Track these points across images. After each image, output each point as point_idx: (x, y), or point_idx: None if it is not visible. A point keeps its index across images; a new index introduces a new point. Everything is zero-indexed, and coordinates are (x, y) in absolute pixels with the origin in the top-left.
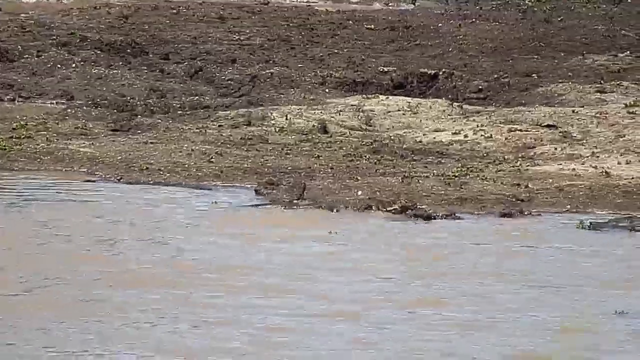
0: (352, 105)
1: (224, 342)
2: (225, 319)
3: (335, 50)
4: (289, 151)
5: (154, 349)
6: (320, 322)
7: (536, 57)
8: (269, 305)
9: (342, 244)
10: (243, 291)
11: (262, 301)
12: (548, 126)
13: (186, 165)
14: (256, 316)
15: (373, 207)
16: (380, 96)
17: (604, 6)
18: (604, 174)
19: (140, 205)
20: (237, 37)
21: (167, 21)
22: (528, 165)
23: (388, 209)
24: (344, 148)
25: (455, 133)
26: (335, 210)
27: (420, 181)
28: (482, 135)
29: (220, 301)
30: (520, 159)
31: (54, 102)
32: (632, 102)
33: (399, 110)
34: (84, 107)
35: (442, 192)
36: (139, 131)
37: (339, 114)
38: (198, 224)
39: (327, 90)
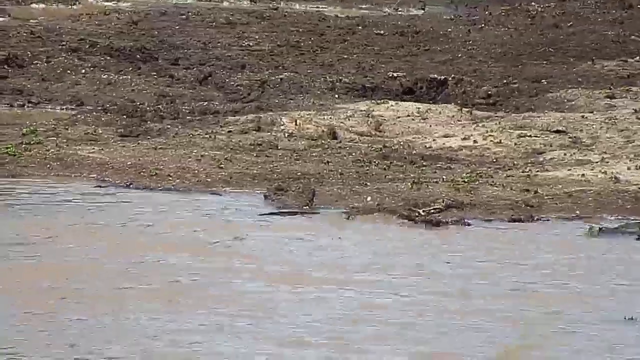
0: (361, 111)
1: None
2: None
3: (345, 56)
4: (298, 157)
5: None
6: None
7: (545, 62)
8: None
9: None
10: None
11: None
12: (557, 132)
13: (195, 171)
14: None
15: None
16: (389, 102)
17: (614, 11)
18: (613, 179)
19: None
20: (246, 43)
21: (177, 27)
22: (537, 171)
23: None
24: (354, 154)
25: (464, 138)
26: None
27: (429, 187)
28: (491, 140)
29: None
30: (529, 164)
31: (64, 107)
32: None
33: (408, 116)
34: (94, 113)
35: (452, 197)
36: (149, 137)
37: (349, 120)
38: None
39: (336, 95)
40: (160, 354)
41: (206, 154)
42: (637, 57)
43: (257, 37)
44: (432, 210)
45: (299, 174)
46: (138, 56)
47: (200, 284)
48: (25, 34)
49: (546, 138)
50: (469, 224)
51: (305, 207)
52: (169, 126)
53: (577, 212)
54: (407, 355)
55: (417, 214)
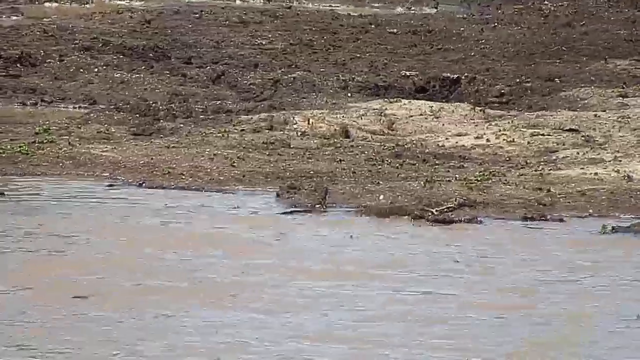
0: (374, 110)
1: None
2: None
3: (358, 55)
4: (310, 155)
5: None
6: None
7: (558, 61)
8: None
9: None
10: None
11: None
12: (570, 130)
13: (208, 170)
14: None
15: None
16: (402, 100)
17: (627, 10)
18: (626, 178)
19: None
20: (259, 42)
21: (190, 25)
22: (550, 170)
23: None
24: (366, 152)
25: (477, 137)
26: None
27: (442, 185)
28: (504, 139)
29: None
30: (542, 163)
31: (77, 106)
32: None
33: (421, 115)
34: (107, 112)
35: (465, 196)
36: (161, 135)
37: (361, 118)
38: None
39: (349, 94)
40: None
41: (219, 152)
42: None
43: (270, 35)
44: (445, 210)
45: (311, 172)
46: (151, 55)
47: (241, 281)
48: (38, 33)
49: (559, 137)
50: (481, 222)
51: (317, 206)
52: (181, 125)
53: (590, 210)
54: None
55: (430, 213)
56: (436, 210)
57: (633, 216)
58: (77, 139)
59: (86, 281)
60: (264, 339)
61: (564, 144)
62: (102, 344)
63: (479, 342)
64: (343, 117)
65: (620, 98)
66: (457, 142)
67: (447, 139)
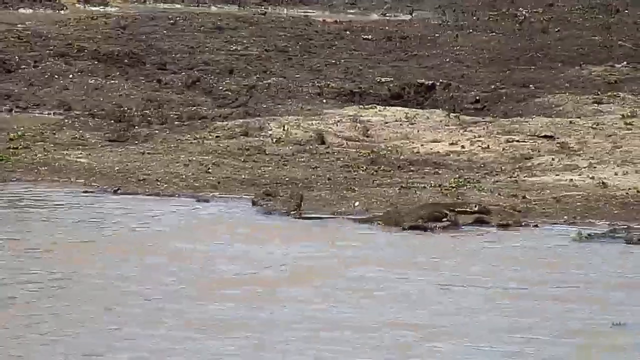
0: (349, 116)
1: None
2: None
3: (333, 61)
4: (286, 162)
5: None
6: None
7: (533, 67)
8: None
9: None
10: None
11: None
12: (545, 137)
13: (183, 176)
14: None
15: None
16: (377, 107)
17: (601, 17)
18: (601, 184)
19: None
20: (234, 48)
21: (165, 31)
22: (525, 176)
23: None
24: (341, 159)
25: (452, 144)
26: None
27: (417, 192)
28: (479, 146)
29: None
30: (517, 169)
31: (51, 112)
32: (629, 113)
33: (396, 121)
34: (81, 118)
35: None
36: (136, 142)
37: (336, 125)
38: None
39: (324, 100)
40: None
41: (194, 159)
42: (624, 63)
43: (245, 42)
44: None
45: (287, 179)
46: (126, 61)
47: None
48: (12, 39)
49: (534, 143)
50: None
51: (293, 213)
52: (156, 131)
53: (565, 217)
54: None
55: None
56: (452, 213)
57: (608, 223)
58: (52, 145)
59: None
60: None
61: (539, 151)
62: None
63: None
64: (318, 123)
65: (595, 104)
66: (432, 149)
67: (422, 145)
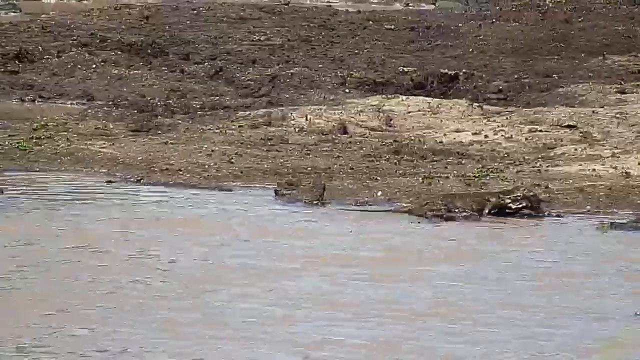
0: (372, 106)
1: None
2: None
3: (356, 51)
4: (308, 152)
5: None
6: None
7: (556, 57)
8: None
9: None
10: None
11: None
12: (568, 127)
13: (206, 166)
14: None
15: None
16: (400, 96)
17: (624, 7)
18: (624, 174)
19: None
20: (257, 38)
21: (188, 22)
22: (548, 166)
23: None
24: (364, 148)
25: (475, 133)
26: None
27: (440, 182)
28: (502, 135)
29: None
30: (540, 159)
31: (75, 102)
32: None
33: (419, 111)
34: (104, 108)
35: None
36: (159, 132)
37: (359, 115)
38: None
39: (347, 90)
40: None
41: (217, 148)
42: None
43: (268, 32)
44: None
45: (309, 168)
46: (149, 51)
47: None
48: (36, 29)
49: (557, 133)
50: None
51: (315, 202)
52: (179, 121)
53: (588, 207)
54: None
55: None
56: (510, 199)
57: (631, 212)
58: (75, 135)
59: None
60: None
61: (562, 140)
62: None
63: None
64: (341, 113)
65: (618, 94)
66: (455, 139)
67: (445, 135)
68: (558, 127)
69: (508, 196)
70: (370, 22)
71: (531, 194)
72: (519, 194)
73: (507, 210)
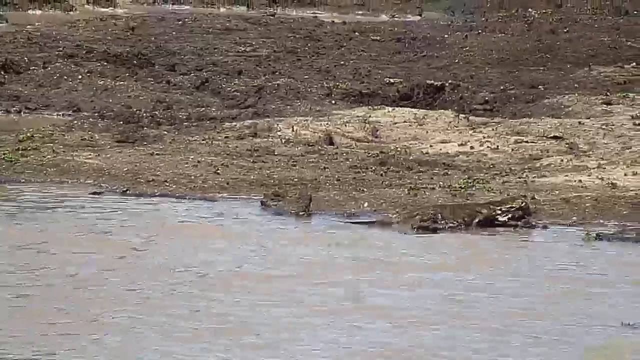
0: (358, 117)
1: None
2: None
3: (342, 62)
4: (295, 163)
5: None
6: None
7: (542, 68)
8: None
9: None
10: None
11: None
12: (554, 138)
13: (192, 177)
14: None
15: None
16: (386, 107)
17: (610, 18)
18: (610, 185)
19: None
20: (243, 49)
21: (174, 32)
22: (534, 177)
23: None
24: (350, 159)
25: (461, 144)
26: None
27: (426, 193)
28: (488, 146)
29: None
30: (526, 170)
31: (60, 113)
32: (638, 114)
33: (405, 122)
34: (90, 119)
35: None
36: (145, 142)
37: (345, 126)
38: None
39: (333, 101)
40: None
41: (203, 160)
42: (634, 63)
43: (254, 43)
44: (508, 212)
45: (295, 179)
46: (135, 62)
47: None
48: (22, 40)
49: (543, 144)
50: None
51: (302, 213)
52: (165, 132)
53: (574, 217)
54: None
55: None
56: (500, 210)
57: (617, 223)
58: (61, 147)
59: None
60: None
61: (548, 151)
62: None
63: None
64: (327, 124)
65: (604, 105)
66: (441, 150)
67: (431, 146)
68: (544, 138)
69: (499, 207)
70: (356, 33)
71: (524, 204)
72: (513, 205)
73: (495, 222)
